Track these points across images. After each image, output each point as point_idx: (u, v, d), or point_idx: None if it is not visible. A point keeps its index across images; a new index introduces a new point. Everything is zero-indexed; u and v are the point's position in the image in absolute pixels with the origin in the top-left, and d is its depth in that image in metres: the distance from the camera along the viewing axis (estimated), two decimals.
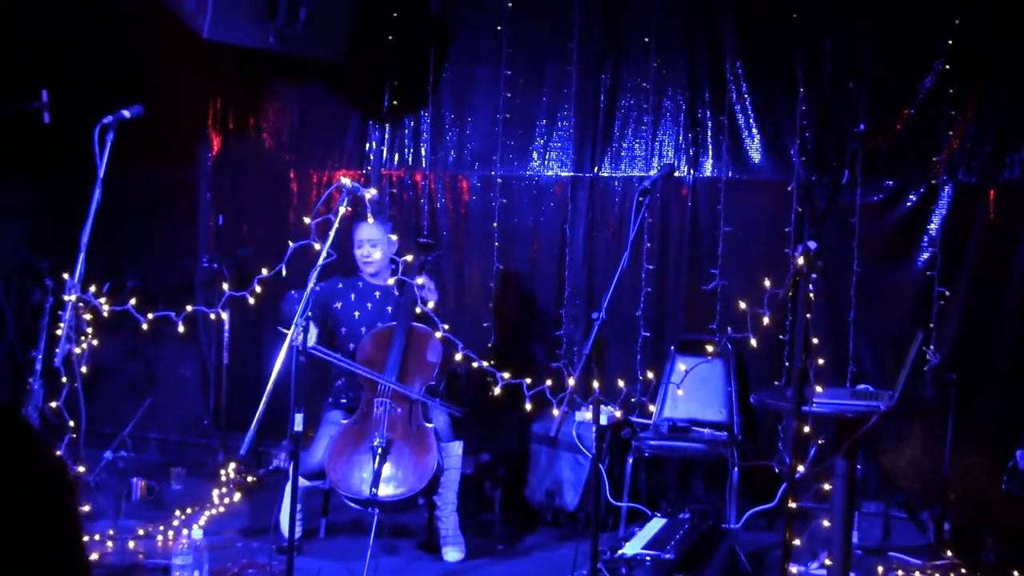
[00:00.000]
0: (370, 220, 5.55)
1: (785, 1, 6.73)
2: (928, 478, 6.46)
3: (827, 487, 5.78)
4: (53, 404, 5.42)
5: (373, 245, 6.15)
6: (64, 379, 5.35)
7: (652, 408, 6.76)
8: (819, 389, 4.74)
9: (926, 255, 6.53)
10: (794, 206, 6.70)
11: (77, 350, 5.35)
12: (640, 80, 7.10)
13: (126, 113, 5.36)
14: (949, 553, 5.93)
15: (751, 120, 6.89)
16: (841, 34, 6.62)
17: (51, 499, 1.17)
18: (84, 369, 5.40)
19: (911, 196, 6.59)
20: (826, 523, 5.45)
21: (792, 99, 6.70)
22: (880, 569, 5.80)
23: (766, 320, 5.01)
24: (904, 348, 5.08)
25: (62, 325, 5.34)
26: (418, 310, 5.94)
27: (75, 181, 5.68)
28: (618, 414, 6.30)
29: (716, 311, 6.78)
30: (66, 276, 5.37)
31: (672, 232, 7.10)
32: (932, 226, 6.53)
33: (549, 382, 5.71)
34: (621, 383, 5.84)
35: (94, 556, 5.58)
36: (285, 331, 5.17)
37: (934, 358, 6.39)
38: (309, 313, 4.75)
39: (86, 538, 5.71)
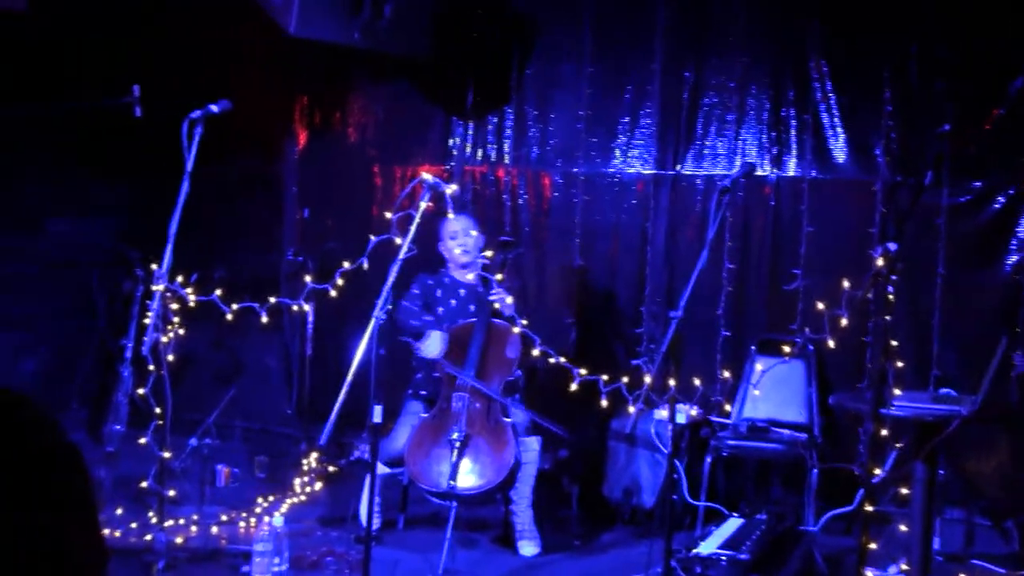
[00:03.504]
0: (451, 215, 5.60)
1: (872, 1, 6.66)
2: (1014, 486, 6.35)
3: (907, 492, 5.71)
4: (141, 391, 5.54)
5: (468, 235, 6.23)
6: (151, 367, 5.48)
7: (729, 407, 6.73)
8: (897, 392, 4.69)
9: (1015, 258, 6.42)
10: (879, 207, 6.63)
11: (164, 339, 5.47)
12: (724, 78, 7.07)
13: (214, 108, 5.45)
14: None
15: (836, 119, 6.82)
16: (929, 33, 6.53)
17: (56, 479, 1.18)
18: (171, 357, 5.51)
19: (999, 198, 6.48)
20: (903, 528, 5.39)
21: (878, 98, 6.61)
22: None
23: (844, 321, 4.97)
24: (990, 353, 5.00)
25: (150, 314, 5.47)
26: (496, 306, 5.99)
27: (166, 174, 5.81)
28: (693, 412, 6.28)
29: (798, 311, 6.73)
30: (155, 267, 5.50)
31: (754, 231, 7.06)
32: (1021, 229, 6.41)
33: (625, 379, 5.72)
34: (697, 382, 5.84)
35: (178, 539, 5.71)
36: (412, 341, 5.74)
37: (1022, 363, 6.27)
38: (390, 306, 4.82)
39: (170, 522, 5.84)
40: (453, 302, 6.27)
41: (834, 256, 6.74)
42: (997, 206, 6.49)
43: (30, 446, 1.15)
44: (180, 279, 5.70)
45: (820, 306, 5.14)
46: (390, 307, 4.84)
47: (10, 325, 7.78)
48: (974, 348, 6.43)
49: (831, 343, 5.14)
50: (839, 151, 6.84)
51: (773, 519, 5.52)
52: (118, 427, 6.85)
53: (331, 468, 7.32)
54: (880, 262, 3.96)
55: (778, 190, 6.99)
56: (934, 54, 6.51)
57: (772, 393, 6.56)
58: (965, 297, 6.54)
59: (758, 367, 6.60)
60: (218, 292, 5.91)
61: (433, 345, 5.93)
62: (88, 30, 7.59)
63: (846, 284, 4.96)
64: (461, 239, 6.24)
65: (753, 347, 6.84)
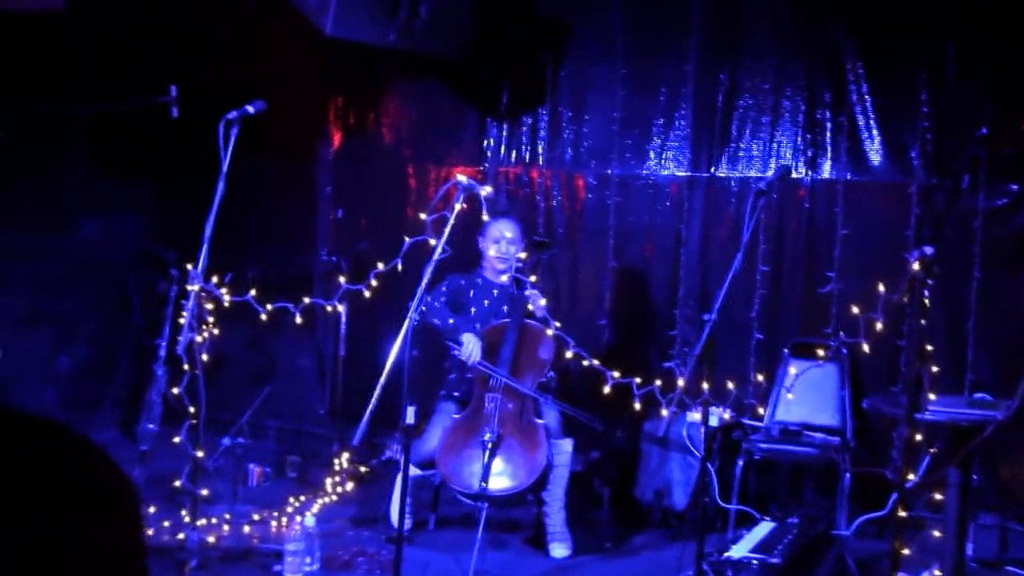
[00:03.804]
0: (485, 217, 5.60)
1: (908, 1, 6.61)
2: None
3: (941, 497, 5.67)
4: (175, 390, 5.58)
5: (512, 243, 6.23)
6: (186, 366, 5.51)
7: (762, 410, 6.70)
8: (932, 396, 4.66)
9: None
10: (914, 209, 6.58)
11: (199, 338, 5.50)
12: (759, 80, 7.04)
13: (249, 108, 5.49)
14: None
15: (871, 121, 6.77)
16: (965, 35, 6.47)
17: (107, 517, 1.17)
18: (205, 357, 5.54)
19: None
20: (936, 533, 5.34)
21: (914, 100, 6.56)
22: None
23: (879, 325, 4.94)
24: None
25: (185, 314, 5.50)
26: (529, 307, 5.98)
27: (201, 174, 5.84)
28: (726, 415, 6.26)
29: (832, 314, 6.69)
30: (190, 267, 5.53)
31: (788, 234, 7.03)
32: None
33: (659, 382, 5.70)
34: (731, 385, 5.81)
35: (211, 538, 5.74)
36: (455, 347, 5.80)
37: None
38: (423, 307, 4.82)
39: (202, 521, 5.87)
40: (486, 302, 6.27)
41: (869, 259, 6.70)
42: None
43: (83, 486, 1.15)
44: (215, 279, 5.73)
45: (854, 309, 5.11)
46: (423, 308, 4.85)
47: (46, 323, 7.85)
48: (1010, 353, 6.39)
49: (865, 347, 5.10)
50: (874, 153, 6.80)
51: (805, 523, 5.49)
52: (152, 426, 6.90)
53: (363, 468, 7.34)
54: (916, 266, 3.93)
55: (813, 192, 6.96)
56: (971, 56, 6.46)
57: (805, 396, 6.52)
58: (1001, 301, 6.49)
59: (792, 370, 6.57)
60: (252, 292, 5.93)
61: (473, 349, 5.91)
62: (124, 31, 7.64)
63: (881, 287, 4.92)
64: (503, 246, 6.23)
65: (787, 350, 6.80)
